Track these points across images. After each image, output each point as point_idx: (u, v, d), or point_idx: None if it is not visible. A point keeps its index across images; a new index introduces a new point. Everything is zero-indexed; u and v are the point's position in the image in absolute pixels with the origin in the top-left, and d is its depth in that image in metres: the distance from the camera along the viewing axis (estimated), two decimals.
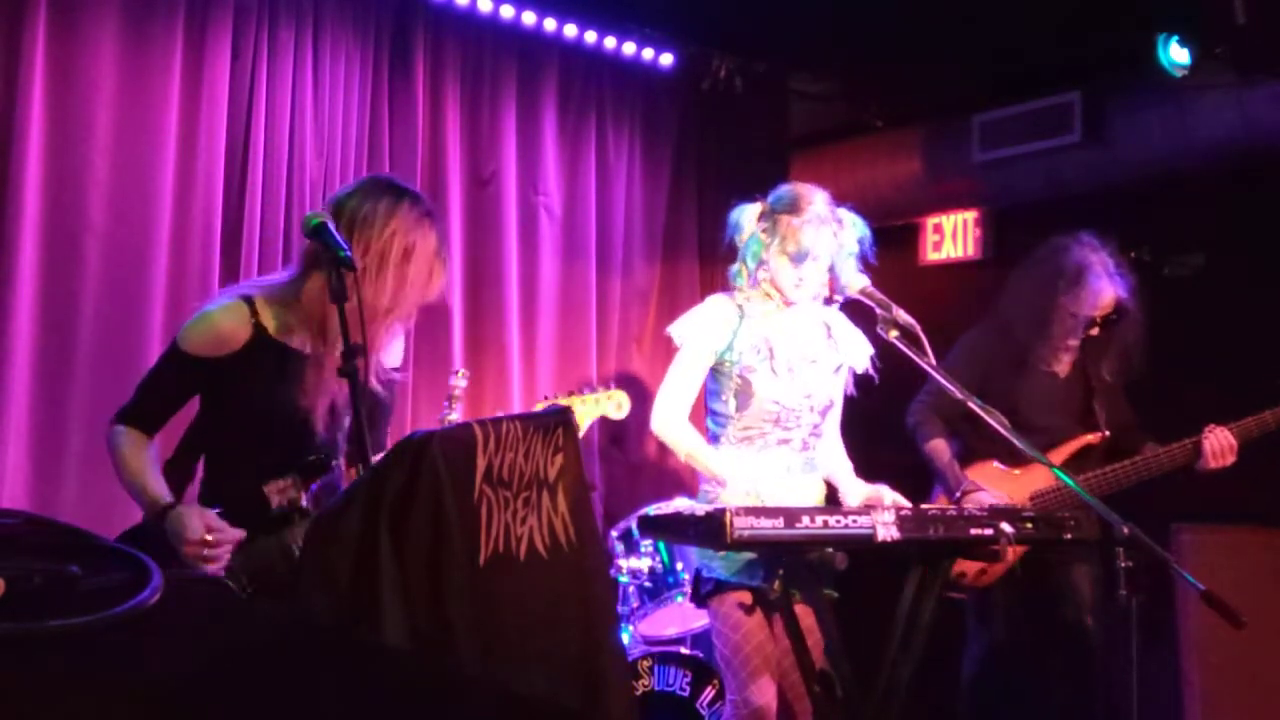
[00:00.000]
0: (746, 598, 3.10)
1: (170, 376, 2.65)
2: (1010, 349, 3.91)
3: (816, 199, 3.16)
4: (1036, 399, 3.82)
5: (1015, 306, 3.97)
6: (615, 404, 3.34)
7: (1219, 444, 3.68)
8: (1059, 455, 3.78)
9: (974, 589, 3.82)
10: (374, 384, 2.67)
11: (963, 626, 4.07)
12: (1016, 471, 3.86)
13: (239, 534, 2.47)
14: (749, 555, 3.06)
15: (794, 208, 3.13)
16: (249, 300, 2.64)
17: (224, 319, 2.61)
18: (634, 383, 5.17)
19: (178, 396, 2.67)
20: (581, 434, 2.92)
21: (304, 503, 2.65)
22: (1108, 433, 3.86)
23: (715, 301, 3.27)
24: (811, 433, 3.23)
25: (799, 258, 3.11)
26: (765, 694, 3.07)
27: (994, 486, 3.80)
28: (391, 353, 2.91)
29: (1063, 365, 3.94)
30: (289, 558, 2.53)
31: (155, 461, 2.63)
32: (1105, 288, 3.79)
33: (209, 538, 2.41)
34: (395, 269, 2.60)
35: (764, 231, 3.17)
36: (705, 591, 3.18)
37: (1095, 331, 3.86)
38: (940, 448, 3.87)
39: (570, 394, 3.39)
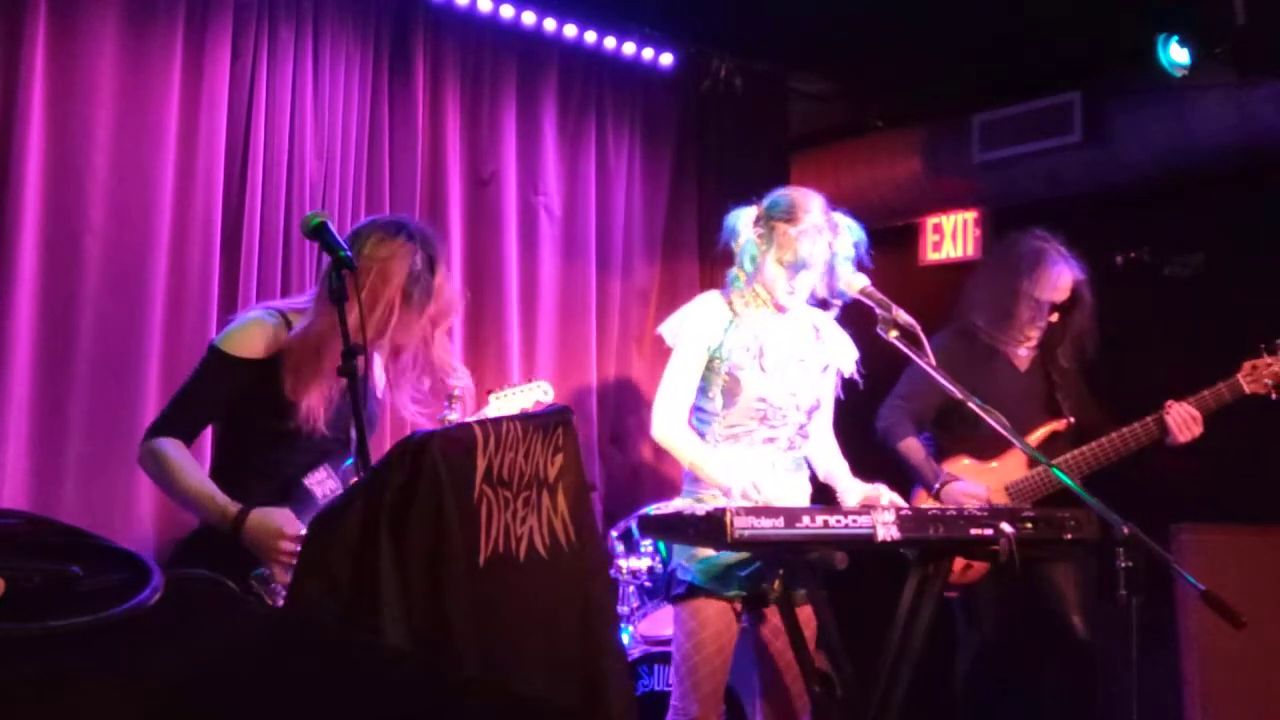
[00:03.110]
0: (716, 606, 3.09)
1: (213, 380, 2.74)
2: (973, 348, 3.99)
3: (813, 207, 3.13)
4: (1001, 394, 3.86)
5: (978, 300, 4.07)
6: (542, 390, 3.66)
7: (1181, 416, 3.73)
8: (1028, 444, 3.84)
9: (961, 585, 3.84)
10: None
11: (955, 627, 4.09)
12: (991, 465, 3.94)
13: None
14: (725, 562, 3.06)
15: (790, 216, 3.11)
16: (280, 313, 2.78)
17: (263, 323, 2.74)
18: (634, 383, 5.17)
19: (221, 401, 2.75)
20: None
21: (341, 489, 2.74)
22: (1072, 419, 3.94)
23: (706, 299, 3.25)
24: (798, 432, 3.22)
25: (795, 267, 3.10)
26: (705, 707, 3.07)
27: (968, 480, 3.86)
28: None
29: (1022, 360, 4.03)
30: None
31: (201, 469, 2.74)
32: (1064, 270, 3.90)
33: (302, 532, 2.50)
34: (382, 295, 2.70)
35: (760, 238, 3.15)
36: (675, 594, 3.17)
37: (1054, 318, 3.95)
38: (914, 445, 3.96)
39: (488, 393, 3.53)
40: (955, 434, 3.95)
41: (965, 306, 4.12)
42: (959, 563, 3.68)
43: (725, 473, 3.07)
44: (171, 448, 2.67)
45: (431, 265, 2.79)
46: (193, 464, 2.70)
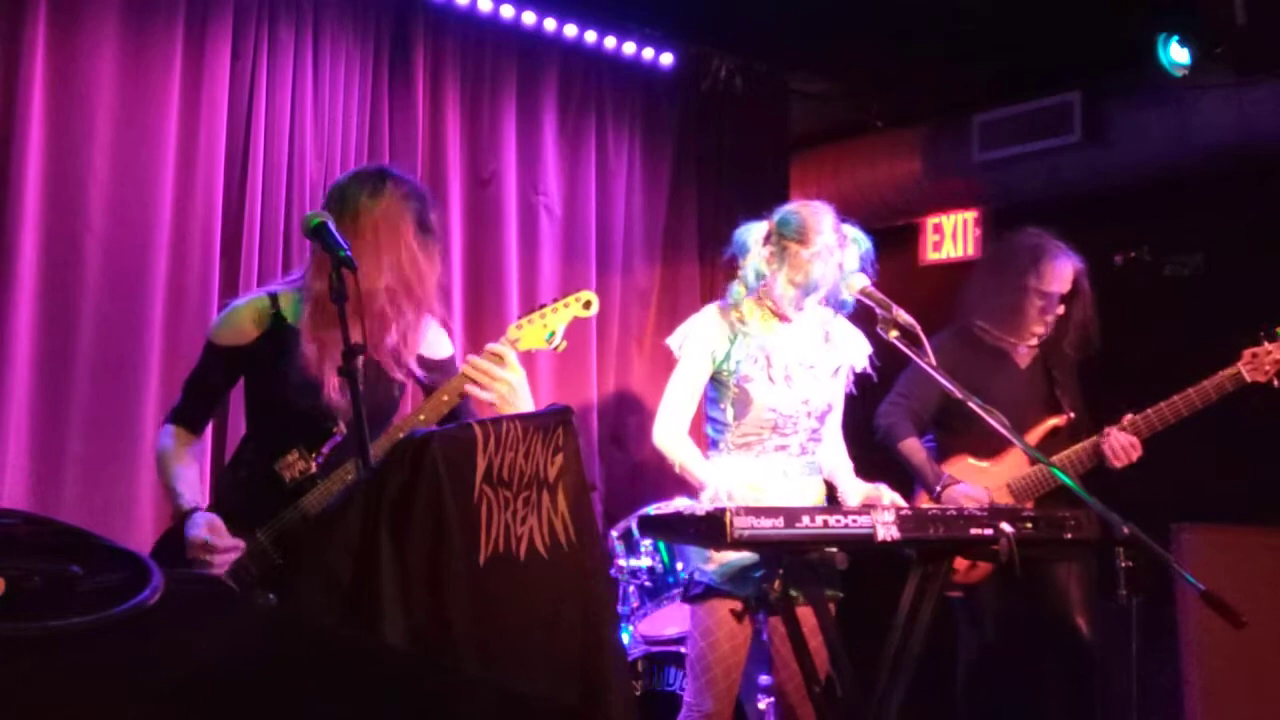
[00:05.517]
0: (732, 606, 3.11)
1: (204, 370, 2.85)
2: (975, 349, 3.99)
3: (825, 226, 3.12)
4: (1005, 392, 3.87)
5: (980, 301, 4.06)
6: (582, 304, 2.78)
7: (1119, 442, 3.74)
8: (1029, 440, 3.84)
9: (965, 585, 3.84)
10: (399, 375, 2.79)
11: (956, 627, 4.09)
12: (993, 463, 3.93)
13: (237, 543, 2.63)
14: (741, 564, 3.07)
15: (803, 237, 3.10)
16: (273, 295, 2.82)
17: (245, 310, 2.80)
18: (634, 383, 5.17)
19: (213, 390, 2.88)
20: (560, 340, 2.76)
21: (314, 470, 2.75)
22: (1072, 415, 3.95)
23: (710, 313, 3.27)
24: (810, 437, 3.24)
25: (806, 289, 3.12)
26: (719, 704, 3.11)
27: (969, 480, 3.88)
28: (432, 342, 2.92)
29: (1023, 358, 4.03)
30: (310, 523, 2.66)
31: (192, 461, 2.82)
32: (1065, 262, 3.91)
33: (211, 541, 2.58)
34: (378, 247, 2.70)
35: (770, 256, 3.15)
36: (693, 594, 3.19)
37: (1059, 310, 3.95)
38: (914, 446, 3.95)
39: (530, 311, 2.83)
40: (956, 433, 3.95)
41: (966, 308, 4.11)
42: (963, 562, 3.68)
43: (708, 472, 3.11)
44: (168, 435, 2.82)
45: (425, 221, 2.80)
46: (177, 454, 2.78)
